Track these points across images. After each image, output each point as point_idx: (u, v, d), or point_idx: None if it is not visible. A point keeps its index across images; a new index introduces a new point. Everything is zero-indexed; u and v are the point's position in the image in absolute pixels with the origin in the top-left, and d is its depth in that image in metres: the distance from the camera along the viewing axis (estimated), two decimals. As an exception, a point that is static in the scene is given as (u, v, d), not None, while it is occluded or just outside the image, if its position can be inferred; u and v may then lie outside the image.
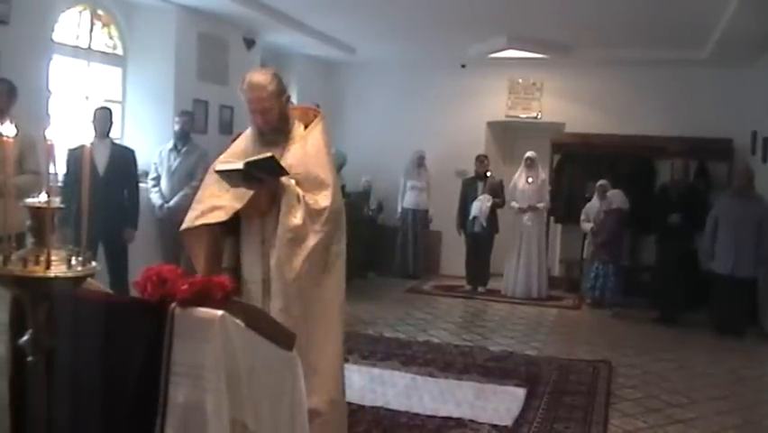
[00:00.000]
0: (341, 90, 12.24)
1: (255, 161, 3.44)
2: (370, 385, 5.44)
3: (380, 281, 10.59)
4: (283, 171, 3.51)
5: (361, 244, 10.09)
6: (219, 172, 3.60)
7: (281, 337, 2.76)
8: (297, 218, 3.49)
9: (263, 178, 3.49)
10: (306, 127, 3.79)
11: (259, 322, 2.69)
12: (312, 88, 11.46)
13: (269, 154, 3.49)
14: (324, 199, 3.55)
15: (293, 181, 3.54)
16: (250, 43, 9.52)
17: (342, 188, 9.55)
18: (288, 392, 2.77)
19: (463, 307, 9.50)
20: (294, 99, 10.82)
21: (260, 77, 3.69)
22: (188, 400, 2.51)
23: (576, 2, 7.72)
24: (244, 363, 2.55)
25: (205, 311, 2.51)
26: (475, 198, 9.94)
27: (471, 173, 10.35)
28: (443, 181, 10.99)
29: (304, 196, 3.53)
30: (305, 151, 3.68)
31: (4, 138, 2.26)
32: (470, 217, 9.91)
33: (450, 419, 4.88)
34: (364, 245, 10.16)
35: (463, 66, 11.27)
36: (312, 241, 3.51)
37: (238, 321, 2.55)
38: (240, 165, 3.44)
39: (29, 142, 5.14)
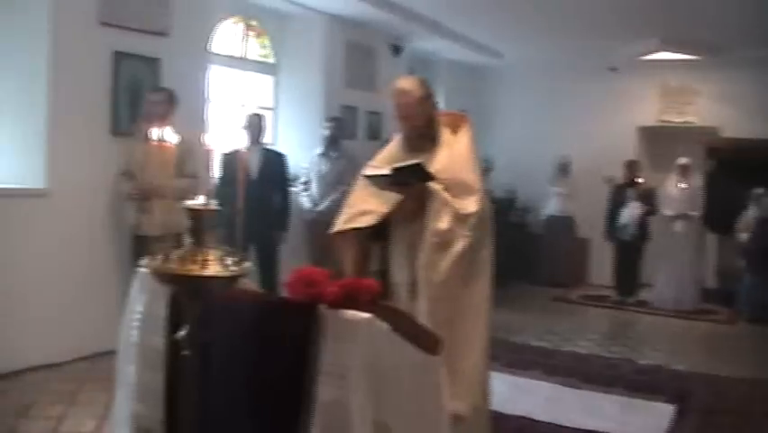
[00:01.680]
0: (487, 95, 12.16)
1: (402, 167, 3.48)
2: (513, 394, 5.36)
3: (525, 289, 10.44)
4: (430, 177, 3.53)
5: (506, 251, 9.95)
6: (368, 177, 3.67)
7: (426, 341, 2.77)
8: (445, 223, 3.49)
9: (411, 183, 3.53)
10: (452, 133, 3.79)
11: (404, 325, 2.71)
12: (458, 94, 11.45)
13: (416, 161, 3.53)
14: (471, 204, 3.54)
15: (440, 186, 3.55)
16: (396, 50, 9.62)
17: (488, 193, 9.54)
18: (430, 397, 2.77)
19: (610, 317, 9.23)
20: (440, 105, 10.83)
21: (406, 83, 3.75)
22: (333, 399, 2.56)
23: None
24: (389, 366, 2.58)
25: (352, 313, 2.56)
26: (624, 204, 9.64)
27: (619, 179, 10.05)
28: (589, 187, 10.71)
29: (451, 201, 3.53)
30: (452, 156, 3.68)
31: (165, 143, 2.38)
32: (620, 225, 9.63)
33: (595, 433, 4.75)
34: (509, 252, 10.00)
35: (613, 69, 10.96)
36: (459, 245, 3.49)
37: (384, 324, 2.58)
38: (387, 171, 3.50)
39: (189, 147, 5.39)
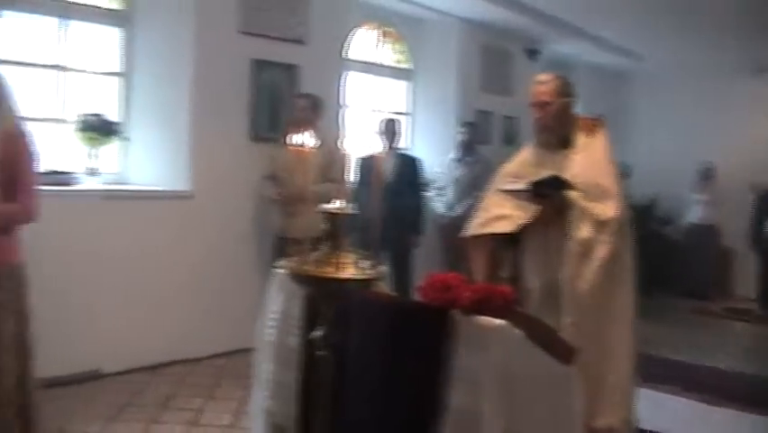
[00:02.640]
0: (626, 100, 11.85)
1: (539, 181, 3.43)
2: (651, 409, 5.16)
3: (664, 300, 10.06)
4: (567, 186, 3.45)
5: (644, 260, 9.65)
6: (504, 191, 3.63)
7: (561, 351, 2.71)
8: (585, 231, 3.41)
9: (549, 194, 3.47)
10: (588, 137, 3.70)
11: (538, 334, 2.66)
12: (596, 98, 11.16)
13: (552, 173, 3.47)
14: (609, 209, 3.44)
15: (577, 193, 3.47)
16: (532, 54, 9.50)
17: (627, 200, 9.26)
18: (564, 408, 2.70)
19: (755, 332, 8.78)
20: (578, 109, 10.61)
21: (544, 75, 3.73)
22: (465, 405, 2.54)
23: None
24: (522, 375, 2.54)
25: (486, 319, 2.53)
26: (772, 213, 9.17)
27: (767, 186, 9.54)
28: (734, 195, 10.21)
29: (590, 208, 3.44)
30: (588, 160, 3.59)
31: (310, 148, 2.42)
32: (766, 234, 9.15)
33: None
34: (648, 261, 9.70)
35: (763, 70, 10.43)
36: (601, 252, 3.41)
37: (518, 331, 2.54)
38: (523, 186, 3.45)
39: (332, 152, 5.47)
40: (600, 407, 3.12)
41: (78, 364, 5.02)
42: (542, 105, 3.64)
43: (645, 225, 10.27)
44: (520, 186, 3.51)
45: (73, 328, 4.94)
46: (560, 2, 7.95)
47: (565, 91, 3.66)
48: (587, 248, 3.43)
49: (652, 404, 5.29)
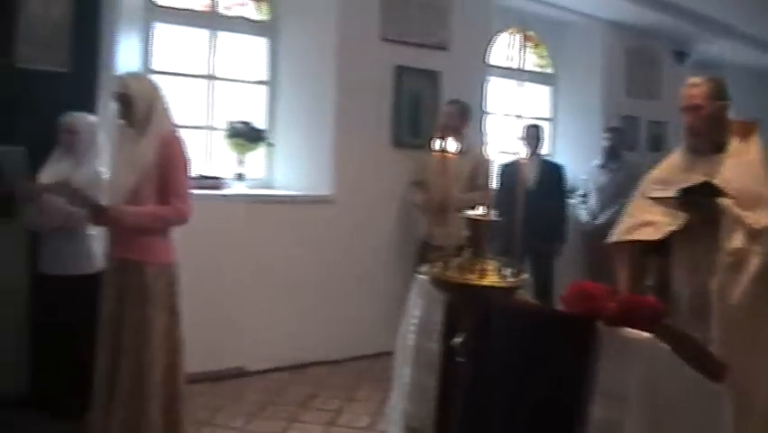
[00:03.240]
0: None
1: (689, 188, 3.27)
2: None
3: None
4: (719, 193, 3.28)
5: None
6: (654, 199, 3.49)
7: (710, 368, 2.58)
8: (737, 241, 3.22)
9: (700, 202, 3.31)
10: (741, 141, 3.50)
11: (686, 349, 2.54)
12: (746, 100, 10.66)
13: (703, 180, 3.30)
14: (764, 219, 3.24)
15: (730, 202, 3.30)
16: (680, 56, 9.15)
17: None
18: (712, 427, 2.58)
19: None
20: (731, 114, 10.15)
21: (697, 77, 3.52)
22: (608, 420, 2.46)
23: None
24: (668, 391, 2.43)
25: (631, 332, 2.45)
26: None
27: None
28: None
29: (743, 216, 3.26)
30: (742, 166, 3.39)
31: (457, 155, 2.41)
32: None
33: None
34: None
35: None
36: (754, 263, 3.20)
37: (665, 345, 2.44)
38: (673, 193, 3.31)
39: (481, 159, 5.44)
40: (747, 429, 2.93)
41: (224, 362, 5.21)
42: (694, 109, 3.45)
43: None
44: (669, 193, 3.36)
45: (220, 327, 5.13)
46: (710, 0, 7.63)
47: (719, 94, 3.46)
48: (738, 259, 3.22)
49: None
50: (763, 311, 3.27)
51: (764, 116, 9.91)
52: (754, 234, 3.22)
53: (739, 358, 2.96)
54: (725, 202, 3.28)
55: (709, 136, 3.47)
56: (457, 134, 4.83)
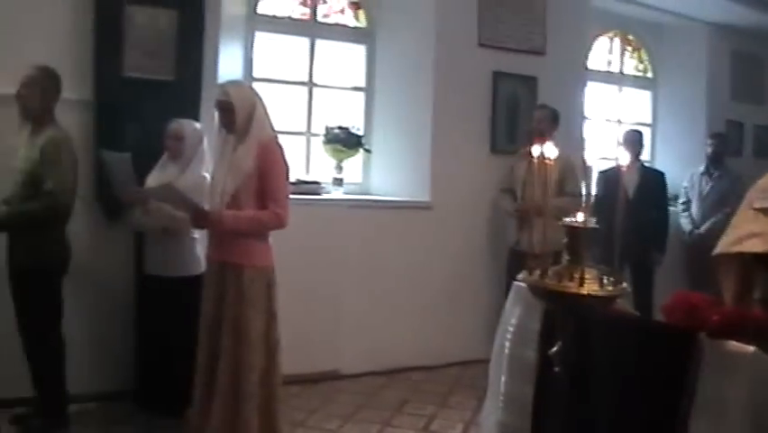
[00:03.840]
0: None
1: None
2: None
3: None
4: None
5: None
6: (758, 210, 3.38)
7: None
8: None
9: None
10: None
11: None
12: None
13: None
14: None
15: None
16: (789, 59, 8.82)
17: None
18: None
19: None
20: None
21: None
22: (708, 434, 2.39)
23: None
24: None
25: (735, 345, 2.37)
26: None
27: None
28: None
29: None
30: None
31: (547, 161, 2.39)
32: None
33: None
34: None
35: None
36: None
37: (770, 359, 2.36)
38: None
39: (570, 165, 5.37)
40: None
41: (320, 364, 5.28)
42: None
43: None
44: None
45: (316, 330, 5.21)
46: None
47: None
48: None
49: None
50: None
51: None
52: None
53: None
54: None
55: None
56: (546, 140, 4.77)
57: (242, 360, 3.59)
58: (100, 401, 4.51)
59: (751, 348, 2.35)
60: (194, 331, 3.75)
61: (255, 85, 5.11)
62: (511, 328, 3.12)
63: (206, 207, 3.74)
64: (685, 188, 7.36)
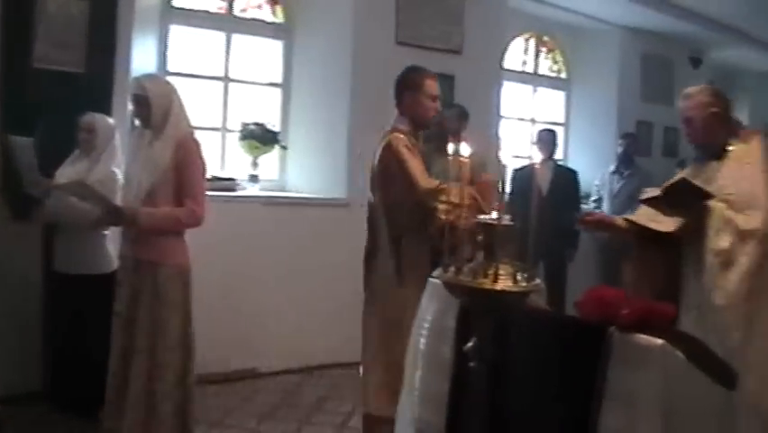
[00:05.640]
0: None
1: (670, 186, 3.32)
2: None
3: None
4: (702, 193, 3.31)
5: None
6: (642, 201, 3.56)
7: (722, 374, 2.57)
8: (725, 241, 3.25)
9: (687, 202, 3.36)
10: (744, 146, 3.53)
11: (699, 355, 2.53)
12: (765, 106, 10.64)
13: (680, 177, 3.41)
14: (755, 220, 3.26)
15: (723, 203, 3.31)
16: (696, 62, 9.13)
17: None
18: (726, 434, 2.57)
19: None
20: (744, 119, 10.15)
21: (692, 88, 3.61)
22: (620, 427, 2.45)
23: None
24: (681, 398, 2.42)
25: (645, 338, 2.44)
26: None
27: None
28: None
29: (733, 217, 3.28)
30: (740, 170, 3.42)
31: (460, 158, 2.42)
32: None
33: None
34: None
35: None
36: (742, 264, 3.23)
37: (678, 352, 2.43)
38: (658, 192, 3.36)
39: (482, 162, 5.44)
40: None
41: (237, 363, 5.22)
42: (688, 121, 3.56)
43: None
44: (655, 192, 3.41)
45: (233, 328, 5.14)
46: (725, 7, 7.60)
47: (710, 102, 3.51)
48: (725, 260, 3.26)
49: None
50: (756, 317, 3.26)
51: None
52: (743, 235, 3.25)
53: (736, 361, 2.95)
54: (714, 203, 3.31)
55: (706, 144, 3.56)
56: (456, 138, 4.85)
57: (157, 360, 3.53)
58: (10, 404, 4.34)
59: (660, 341, 2.42)
60: (106, 330, 3.66)
61: (169, 79, 5.02)
62: (427, 325, 3.13)
63: (119, 203, 3.66)
64: (597, 186, 7.55)
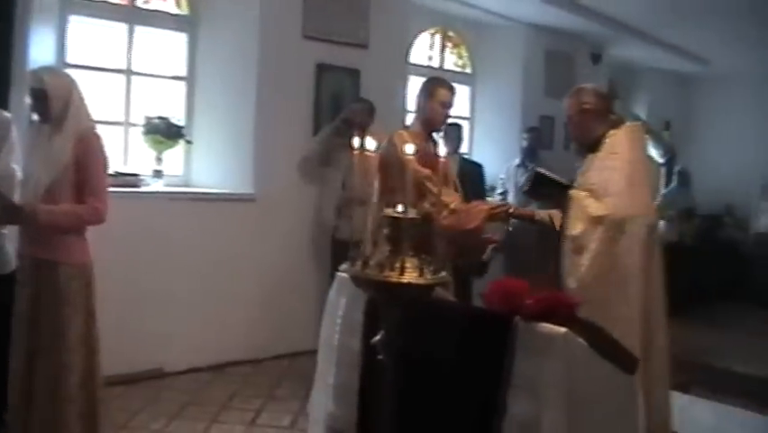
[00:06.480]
0: (693, 105, 11.63)
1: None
2: (718, 424, 5.04)
3: (734, 309, 9.82)
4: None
5: (714, 269, 9.52)
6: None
7: (623, 360, 2.66)
8: (578, 228, 3.47)
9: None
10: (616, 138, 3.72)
11: (601, 342, 2.62)
12: (663, 103, 11.03)
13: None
14: (605, 207, 3.46)
15: (584, 192, 3.54)
16: (596, 58, 9.38)
17: (691, 210, 9.11)
18: (626, 418, 2.66)
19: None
20: (643, 114, 10.50)
21: (573, 88, 3.86)
22: (526, 414, 2.51)
23: None
24: (584, 384, 2.50)
25: (548, 327, 2.50)
26: None
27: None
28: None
29: (586, 204, 3.50)
30: (606, 162, 3.60)
31: (367, 152, 2.42)
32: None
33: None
34: (718, 270, 9.60)
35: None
36: (591, 248, 3.44)
37: (581, 339, 2.50)
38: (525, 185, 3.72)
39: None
40: None
41: (142, 363, 5.11)
42: (568, 120, 3.85)
43: (712, 233, 10.12)
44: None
45: (137, 327, 5.03)
46: (625, 6, 7.84)
47: (583, 102, 3.72)
48: (578, 245, 3.47)
49: (719, 419, 5.17)
50: (607, 301, 3.40)
51: (679, 117, 10.32)
52: (593, 221, 3.46)
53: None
54: (574, 193, 3.55)
55: (582, 140, 3.83)
56: (364, 132, 4.87)
57: (60, 362, 3.42)
58: None
59: (563, 330, 2.49)
60: (6, 332, 3.54)
61: (70, 72, 4.86)
62: (338, 320, 3.14)
63: (18, 200, 3.53)
64: (502, 179, 7.68)
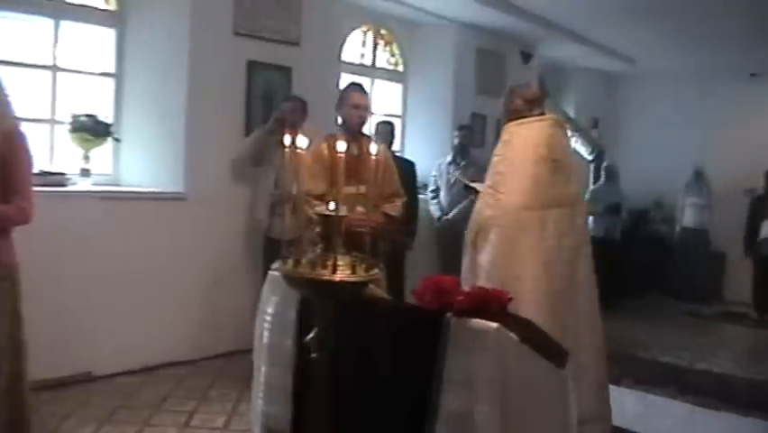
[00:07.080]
0: (620, 103, 11.90)
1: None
2: (645, 412, 5.18)
3: (658, 302, 10.09)
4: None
5: (640, 263, 9.76)
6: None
7: (554, 354, 2.71)
8: (471, 230, 3.72)
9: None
10: None
11: (532, 337, 2.66)
12: (591, 101, 11.25)
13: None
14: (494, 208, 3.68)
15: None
16: (527, 57, 9.52)
17: (619, 205, 9.31)
18: (558, 411, 2.71)
19: (748, 336, 8.77)
20: (571, 112, 10.70)
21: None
22: (459, 409, 2.54)
23: None
24: (517, 378, 2.54)
25: (480, 322, 2.53)
26: (766, 217, 9.16)
27: (760, 191, 9.55)
28: (728, 200, 10.21)
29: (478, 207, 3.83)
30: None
31: (298, 150, 2.42)
32: (761, 239, 9.15)
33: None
34: (644, 264, 9.83)
35: (753, 75, 10.43)
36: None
37: (512, 334, 2.54)
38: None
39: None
40: None
41: (70, 367, 5.00)
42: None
43: (638, 228, 10.37)
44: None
45: (65, 330, 4.92)
46: (554, 5, 7.97)
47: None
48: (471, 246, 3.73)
49: (646, 407, 5.31)
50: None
51: (606, 115, 10.54)
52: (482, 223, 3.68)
53: None
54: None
55: None
56: (296, 130, 4.86)
57: (-14, 366, 3.33)
58: None
59: (494, 325, 2.52)
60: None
61: (-9, 68, 4.74)
62: (269, 318, 3.13)
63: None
64: (434, 176, 7.75)
